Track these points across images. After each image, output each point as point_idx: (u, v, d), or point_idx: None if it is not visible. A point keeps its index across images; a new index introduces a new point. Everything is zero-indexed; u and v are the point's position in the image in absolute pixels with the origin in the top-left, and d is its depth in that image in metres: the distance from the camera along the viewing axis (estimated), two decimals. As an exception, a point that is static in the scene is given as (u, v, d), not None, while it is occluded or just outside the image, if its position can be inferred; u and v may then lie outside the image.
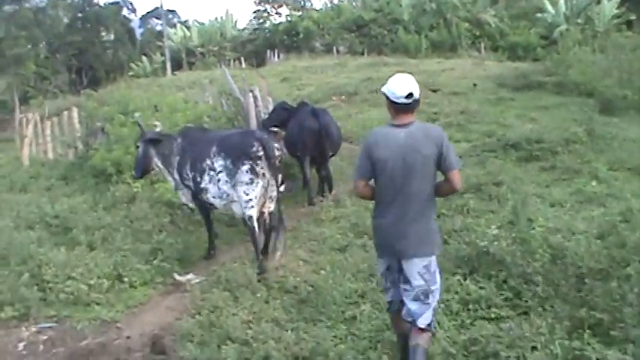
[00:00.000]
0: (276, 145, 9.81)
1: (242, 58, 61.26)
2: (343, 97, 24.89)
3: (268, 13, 79.59)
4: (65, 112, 23.91)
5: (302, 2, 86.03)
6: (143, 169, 11.18)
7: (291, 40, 64.37)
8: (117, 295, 8.87)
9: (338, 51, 56.91)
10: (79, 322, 8.18)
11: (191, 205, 10.90)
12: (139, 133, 11.43)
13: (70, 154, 18.80)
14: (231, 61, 61.71)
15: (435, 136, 5.58)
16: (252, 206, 9.48)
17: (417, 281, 5.69)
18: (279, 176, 9.77)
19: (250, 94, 15.47)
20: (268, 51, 60.55)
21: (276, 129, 14.68)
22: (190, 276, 9.54)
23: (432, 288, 5.75)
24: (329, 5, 75.95)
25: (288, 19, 71.36)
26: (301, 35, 63.08)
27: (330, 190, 13.68)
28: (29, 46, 54.69)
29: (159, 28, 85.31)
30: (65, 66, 63.95)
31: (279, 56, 58.28)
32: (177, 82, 42.30)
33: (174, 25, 79.70)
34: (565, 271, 7.27)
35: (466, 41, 55.65)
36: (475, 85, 28.34)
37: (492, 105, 24.07)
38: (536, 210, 9.97)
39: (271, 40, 67.55)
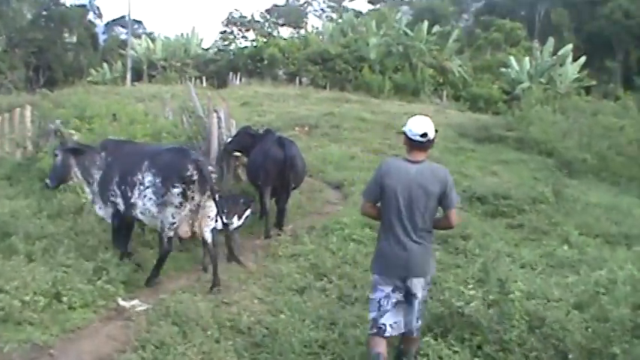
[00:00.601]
0: (210, 167, 9.67)
1: (204, 78, 60.50)
2: (306, 128, 24.40)
3: (235, 35, 79.32)
4: (17, 109, 22.95)
5: (270, 29, 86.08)
6: (60, 179, 10.70)
7: (255, 65, 63.84)
8: (53, 316, 7.91)
9: (301, 82, 56.42)
10: (7, 342, 7.26)
11: (109, 220, 10.33)
12: (59, 140, 11.30)
13: (18, 154, 17.85)
14: (193, 79, 60.91)
15: (441, 177, 6.29)
16: (175, 229, 9.41)
17: (420, 295, 6.45)
18: (217, 196, 9.49)
19: (215, 115, 14.78)
20: (231, 73, 59.78)
21: (238, 154, 14.26)
22: (135, 302, 8.73)
23: (425, 299, 6.75)
24: (296, 36, 75.85)
25: (254, 44, 70.89)
26: (265, 61, 62.59)
27: (281, 226, 13.12)
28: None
29: (123, 36, 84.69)
30: (23, 62, 62.86)
31: (240, 80, 57.57)
32: (136, 92, 41.42)
33: (139, 36, 78.75)
34: (544, 342, 6.91)
35: (429, 87, 56.07)
36: (436, 131, 27.93)
37: (453, 154, 23.92)
38: (507, 270, 9.48)
39: (234, 63, 66.86)
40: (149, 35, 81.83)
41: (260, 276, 10.17)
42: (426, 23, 60.20)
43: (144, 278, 9.63)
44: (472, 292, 7.75)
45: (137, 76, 64.21)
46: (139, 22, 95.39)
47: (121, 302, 8.68)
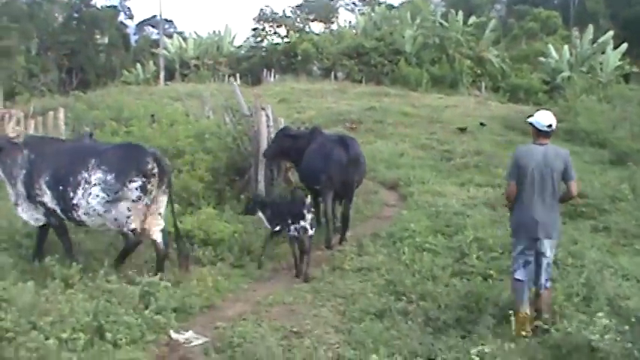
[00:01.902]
0: (167, 161, 9.48)
1: (237, 75, 59.38)
2: (354, 125, 23.26)
3: (266, 32, 78.16)
4: (51, 112, 22.09)
5: (302, 24, 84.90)
6: None
7: (289, 61, 62.66)
8: (95, 357, 6.62)
9: (336, 77, 55.16)
10: (43, 392, 6.09)
11: (32, 223, 9.59)
12: None
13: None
14: (226, 76, 59.94)
15: (562, 156, 7.66)
16: (133, 221, 8.91)
17: (549, 254, 7.64)
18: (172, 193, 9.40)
19: (263, 113, 13.56)
20: (265, 70, 58.63)
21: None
22: (190, 334, 7.43)
23: (551, 263, 7.77)
24: (328, 30, 74.61)
25: (288, 39, 69.72)
26: (299, 57, 61.35)
27: (344, 234, 12.04)
28: (20, 40, 52.64)
29: (154, 36, 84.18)
30: (56, 65, 62.51)
31: (274, 76, 56.46)
32: (170, 92, 40.36)
33: (170, 35, 77.77)
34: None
35: (467, 79, 54.25)
36: (483, 124, 26.94)
37: (503, 148, 22.74)
38: (615, 285, 8.22)
39: (267, 60, 65.72)
40: (180, 34, 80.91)
41: (328, 295, 8.93)
42: (461, 14, 58.59)
43: (197, 304, 8.34)
44: (605, 322, 6.39)
45: (170, 76, 63.18)
46: (170, 22, 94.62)
47: (174, 335, 7.35)
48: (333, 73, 55.92)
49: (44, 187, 9.11)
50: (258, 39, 76.77)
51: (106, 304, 7.45)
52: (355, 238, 11.93)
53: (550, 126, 7.61)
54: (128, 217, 8.86)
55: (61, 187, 8.97)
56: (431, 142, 24.11)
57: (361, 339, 7.24)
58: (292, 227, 10.10)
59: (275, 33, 78.22)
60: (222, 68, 66.70)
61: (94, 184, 8.75)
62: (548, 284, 7.69)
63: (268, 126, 13.90)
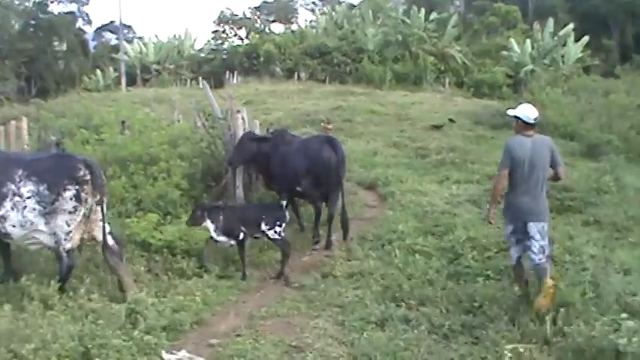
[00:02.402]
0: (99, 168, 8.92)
1: (199, 78, 58.81)
2: (330, 125, 22.87)
3: (227, 34, 77.71)
4: (13, 122, 21.35)
5: (262, 26, 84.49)
6: None
7: (251, 62, 62.32)
8: None
9: (299, 77, 54.80)
10: None
11: None
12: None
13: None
14: (188, 80, 59.35)
15: (548, 144, 8.19)
16: (71, 238, 8.39)
17: (539, 238, 8.01)
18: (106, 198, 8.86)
19: (239, 115, 13.10)
20: (227, 72, 58.10)
21: None
22: (183, 354, 6.89)
23: (545, 244, 8.07)
24: (289, 31, 74.26)
25: (249, 41, 69.32)
26: (261, 58, 61.08)
27: (329, 236, 11.71)
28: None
29: (113, 42, 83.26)
30: (13, 73, 61.20)
31: (237, 79, 55.97)
32: (133, 97, 39.71)
33: (130, 40, 76.98)
34: None
35: (431, 75, 54.15)
36: (452, 120, 26.80)
37: (474, 143, 22.80)
38: (625, 283, 7.98)
39: (229, 62, 65.39)
40: (140, 39, 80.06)
41: (323, 305, 8.48)
42: (422, 10, 58.51)
43: (188, 320, 7.81)
44: (630, 324, 6.03)
45: (131, 81, 62.52)
46: (129, 27, 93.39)
47: (166, 356, 6.79)
48: (296, 74, 55.64)
49: None
50: (219, 41, 76.72)
51: (92, 325, 6.92)
52: (341, 241, 11.55)
53: (536, 118, 8.18)
54: (68, 233, 8.35)
55: None
56: (402, 139, 23.83)
57: (366, 351, 6.82)
58: (272, 231, 9.89)
59: (235, 35, 78.03)
60: (184, 72, 66.46)
61: (28, 197, 8.27)
62: (542, 261, 7.98)
63: (244, 129, 13.42)
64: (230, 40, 78.08)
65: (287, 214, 10.26)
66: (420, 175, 17.40)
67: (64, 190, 8.24)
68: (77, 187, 8.30)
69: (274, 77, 56.40)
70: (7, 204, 8.29)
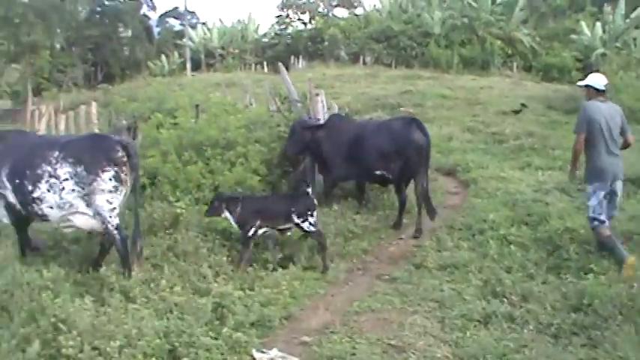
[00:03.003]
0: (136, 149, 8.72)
1: (264, 63, 58.59)
2: (411, 110, 22.35)
3: (290, 19, 77.18)
4: (83, 107, 21.28)
5: (326, 10, 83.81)
6: None
7: (316, 47, 61.80)
8: None
9: (364, 61, 54.13)
10: None
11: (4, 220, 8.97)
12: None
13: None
14: (253, 65, 59.16)
15: (618, 110, 8.89)
16: (117, 214, 8.31)
17: (620, 194, 8.95)
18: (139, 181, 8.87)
19: (318, 98, 12.59)
20: (292, 57, 57.72)
21: None
22: (275, 353, 6.38)
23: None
24: (354, 15, 73.51)
25: (314, 25, 68.86)
26: (326, 43, 60.44)
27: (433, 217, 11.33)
28: (45, 36, 52.04)
29: (177, 28, 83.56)
30: (81, 60, 61.65)
31: (301, 63, 55.56)
32: (199, 82, 39.50)
33: (193, 26, 77.09)
34: None
35: (498, 59, 52.90)
36: (525, 105, 25.94)
37: (549, 128, 22.04)
38: None
39: (293, 47, 64.90)
40: (204, 24, 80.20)
41: (418, 299, 7.88)
42: (489, -7, 57.32)
43: (277, 315, 7.29)
44: None
45: (195, 66, 62.56)
46: (192, 13, 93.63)
47: (257, 355, 6.29)
48: (361, 58, 54.89)
49: (4, 179, 8.55)
50: (283, 26, 75.75)
51: (177, 321, 6.47)
52: (428, 230, 11.03)
53: (606, 85, 8.83)
54: (112, 210, 8.22)
55: (17, 181, 8.41)
56: (476, 124, 23.24)
57: (473, 352, 6.24)
58: (307, 223, 9.15)
59: (299, 20, 77.21)
60: (248, 57, 66.19)
61: (65, 179, 8.18)
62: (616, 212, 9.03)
63: (324, 113, 12.95)
64: (293, 24, 77.49)
65: (315, 201, 9.54)
66: (499, 161, 16.74)
67: (103, 171, 8.12)
68: (116, 167, 8.18)
69: (339, 61, 55.72)
70: (43, 186, 8.24)
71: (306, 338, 6.79)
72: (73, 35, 62.07)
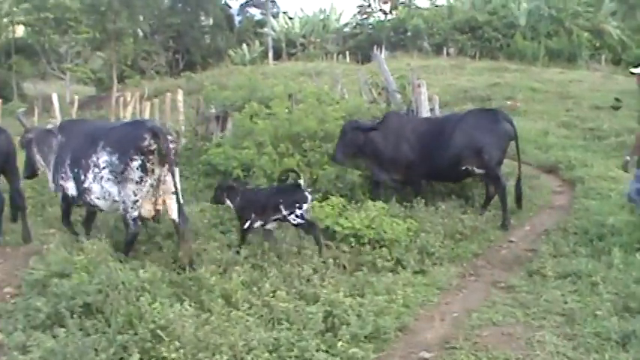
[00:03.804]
0: (169, 137, 8.40)
1: (347, 53, 58.09)
2: (518, 104, 21.64)
3: (372, 8, 76.52)
4: (169, 94, 21.05)
5: (408, 0, 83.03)
6: (30, 170, 10.00)
7: (398, 37, 61.09)
8: None
9: (448, 52, 53.15)
10: None
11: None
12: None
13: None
14: (335, 54, 58.69)
15: None
16: (137, 208, 8.27)
17: None
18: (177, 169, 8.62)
19: (422, 90, 11.94)
20: (375, 47, 57.11)
21: None
22: None
23: None
24: (437, 5, 72.56)
25: (394, 15, 68.13)
26: (409, 33, 59.66)
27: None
28: (128, 24, 52.51)
29: (258, 17, 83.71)
30: (162, 47, 62.16)
31: (384, 53, 54.91)
32: (282, 71, 39.21)
33: (275, 15, 77.08)
34: None
35: (586, 52, 51.36)
36: (618, 100, 24.85)
37: None
38: None
39: (375, 37, 64.37)
40: (285, 14, 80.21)
41: (541, 312, 7.06)
42: (577, -17, 55.78)
43: (391, 327, 6.60)
44: None
45: (276, 55, 62.38)
46: (273, 2, 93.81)
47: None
48: (445, 49, 53.92)
49: (68, 170, 8.90)
50: (364, 16, 75.18)
51: (287, 333, 5.88)
52: (537, 233, 10.31)
53: None
54: (134, 202, 8.22)
55: (76, 171, 8.73)
56: (571, 119, 22.44)
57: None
58: (293, 215, 8.61)
59: (380, 10, 76.48)
60: (330, 46, 65.74)
61: (104, 167, 8.32)
62: None
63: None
64: (375, 14, 76.88)
65: (308, 194, 8.88)
66: (602, 159, 15.84)
67: (131, 160, 8.07)
68: (142, 157, 8.07)
69: (421, 52, 54.89)
70: (90, 175, 8.47)
71: (425, 354, 6.10)
72: (156, 23, 62.56)
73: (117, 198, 8.29)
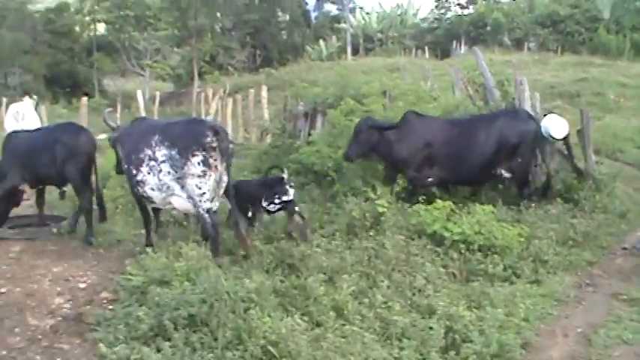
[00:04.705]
0: (229, 136, 8.78)
1: (425, 48, 57.39)
2: (621, 99, 20.94)
3: (450, 3, 75.66)
4: (251, 90, 20.85)
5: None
6: (119, 168, 9.93)
7: (477, 32, 60.04)
8: None
9: (529, 47, 51.98)
10: None
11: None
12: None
13: (268, 139, 15.37)
14: (413, 50, 57.99)
15: None
16: (208, 199, 8.45)
17: None
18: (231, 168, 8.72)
19: (524, 88, 11.38)
20: (454, 42, 56.27)
21: None
22: None
23: None
24: (515, -1, 71.41)
25: (472, 9, 67.15)
26: (489, 27, 58.61)
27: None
28: (207, 20, 52.88)
29: (334, 12, 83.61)
30: (240, 44, 62.32)
31: (462, 48, 54.09)
32: (361, 67, 38.64)
33: (352, 10, 76.69)
34: None
35: (673, 46, 49.67)
36: None
37: None
38: None
39: (453, 31, 63.45)
40: (361, 9, 79.73)
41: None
42: (666, -26, 53.97)
43: (515, 342, 6.11)
44: None
45: (354, 51, 61.93)
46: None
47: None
48: (526, 44, 52.78)
49: (126, 164, 9.21)
50: (442, 10, 74.31)
51: (408, 351, 5.41)
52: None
53: None
54: (202, 195, 8.40)
55: (127, 166, 9.13)
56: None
57: None
58: (272, 205, 9.39)
59: (458, 4, 75.57)
60: (407, 41, 65.06)
61: (162, 161, 8.55)
62: None
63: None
64: (452, 9, 75.95)
65: (289, 188, 9.38)
66: None
67: (192, 155, 8.28)
68: (204, 152, 8.29)
69: (501, 47, 53.76)
70: (144, 168, 8.69)
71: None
72: (233, 19, 62.70)
73: (178, 193, 8.50)
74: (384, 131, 10.70)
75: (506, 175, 10.50)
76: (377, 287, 6.75)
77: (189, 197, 8.42)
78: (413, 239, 8.19)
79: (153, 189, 8.75)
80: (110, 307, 7.18)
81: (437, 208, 8.65)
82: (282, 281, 7.02)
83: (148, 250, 8.14)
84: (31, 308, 7.33)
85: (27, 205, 11.79)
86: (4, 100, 30.50)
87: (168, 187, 8.57)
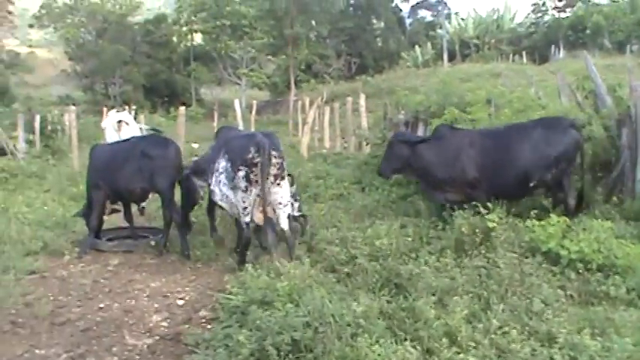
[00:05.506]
0: (274, 152, 8.84)
1: (523, 53, 56.35)
2: None
3: (547, 6, 74.35)
4: (349, 98, 20.65)
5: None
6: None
7: (577, 36, 58.63)
8: None
9: (631, 50, 50.35)
10: None
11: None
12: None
13: (367, 149, 15.12)
14: (510, 55, 57.02)
15: None
16: (248, 213, 8.92)
17: None
18: (284, 180, 9.14)
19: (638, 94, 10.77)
20: (552, 47, 55.06)
21: None
22: None
23: None
24: (616, 0, 69.51)
25: (572, 12, 65.71)
26: (588, 31, 57.15)
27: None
28: (303, 29, 53.23)
29: (428, 18, 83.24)
30: (335, 51, 62.48)
31: (561, 53, 52.87)
32: (457, 73, 38.01)
33: (447, 16, 76.12)
34: None
35: None
36: None
37: None
38: None
39: (551, 36, 62.17)
40: (456, 14, 79.06)
41: None
42: None
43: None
44: None
45: (450, 57, 61.32)
46: (444, 3, 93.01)
47: None
48: (628, 47, 51.20)
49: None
50: (539, 14, 73.04)
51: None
52: None
53: None
54: (244, 209, 8.87)
55: (204, 176, 9.93)
56: None
57: None
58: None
59: (555, 7, 74.13)
60: (504, 46, 64.16)
61: (221, 172, 9.14)
62: None
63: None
64: (549, 13, 74.59)
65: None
66: None
67: (238, 169, 8.75)
68: (246, 168, 8.68)
69: (602, 51, 52.27)
70: (213, 179, 9.38)
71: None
72: (329, 27, 62.89)
73: (233, 202, 8.99)
74: (415, 146, 10.40)
75: (543, 188, 10.03)
76: (491, 310, 6.28)
77: (236, 207, 8.97)
78: (526, 257, 7.67)
79: (220, 199, 9.32)
80: (209, 326, 7.01)
81: (551, 224, 8.11)
82: (389, 302, 6.61)
83: (248, 267, 7.78)
84: (128, 326, 7.26)
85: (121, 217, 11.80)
86: (105, 109, 31.13)
87: (227, 197, 9.11)
